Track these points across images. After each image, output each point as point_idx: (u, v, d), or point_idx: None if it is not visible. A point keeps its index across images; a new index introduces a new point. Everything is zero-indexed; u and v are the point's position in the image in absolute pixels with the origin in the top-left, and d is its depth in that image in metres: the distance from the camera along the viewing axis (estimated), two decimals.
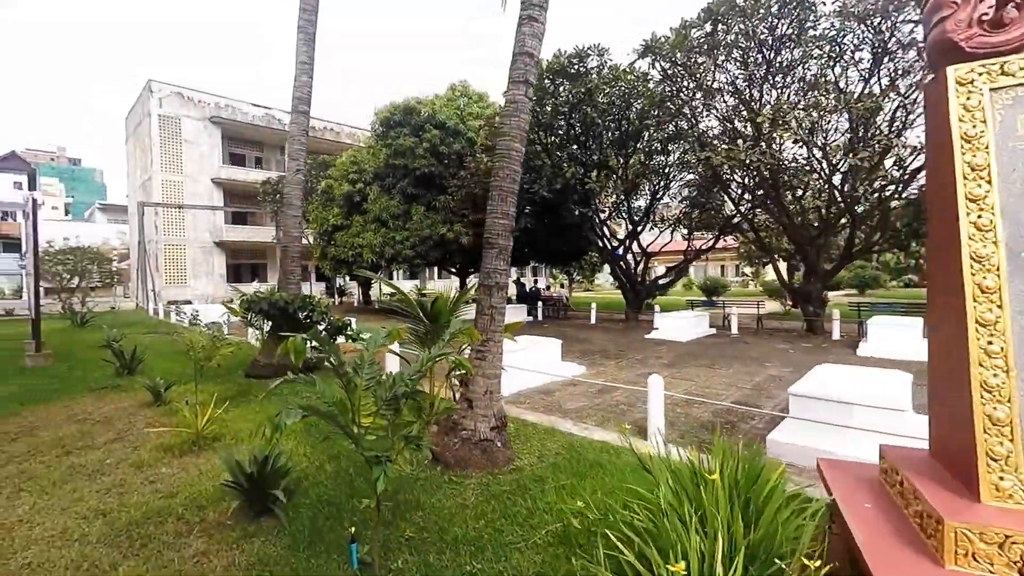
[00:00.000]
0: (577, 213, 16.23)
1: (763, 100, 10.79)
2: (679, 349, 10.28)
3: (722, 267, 44.89)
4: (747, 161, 9.56)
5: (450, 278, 43.16)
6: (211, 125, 29.73)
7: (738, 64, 10.62)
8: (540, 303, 18.49)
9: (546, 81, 14.05)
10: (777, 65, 10.31)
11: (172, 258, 28.32)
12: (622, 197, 15.30)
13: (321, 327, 7.86)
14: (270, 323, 7.70)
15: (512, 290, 26.36)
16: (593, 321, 15.81)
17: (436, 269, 36.30)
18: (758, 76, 10.42)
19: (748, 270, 38.07)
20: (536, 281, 35.50)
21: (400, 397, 2.65)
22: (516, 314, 14.69)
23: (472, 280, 28.98)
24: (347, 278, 28.33)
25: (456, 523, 3.09)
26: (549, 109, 14.36)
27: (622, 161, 14.76)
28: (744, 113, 11.10)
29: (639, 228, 15.73)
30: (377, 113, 18.23)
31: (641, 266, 16.15)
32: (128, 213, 34.09)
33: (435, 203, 16.89)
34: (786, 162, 10.65)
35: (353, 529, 2.65)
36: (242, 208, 31.22)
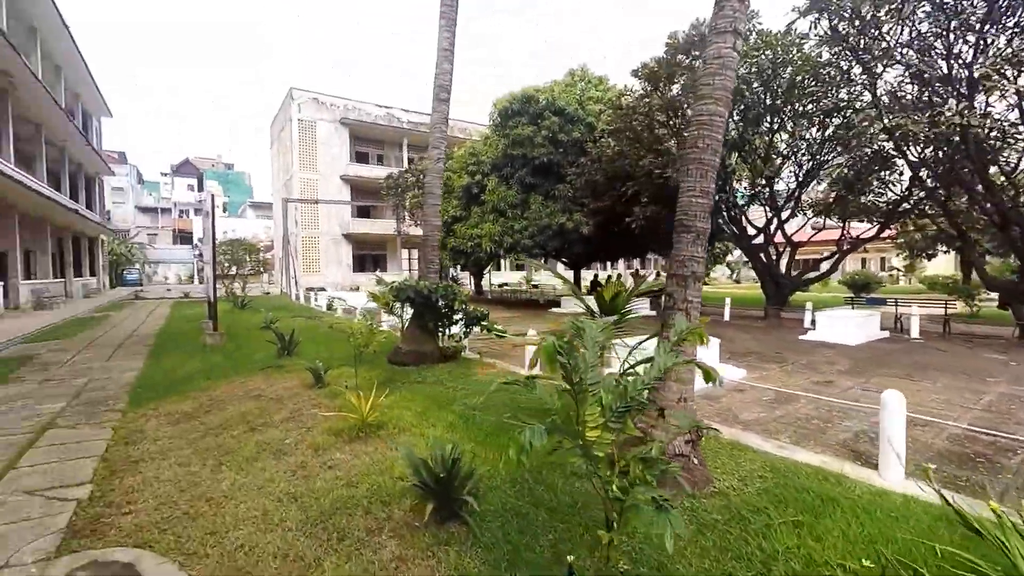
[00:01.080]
0: None
1: (977, 51, 8.75)
2: (851, 354, 8.79)
3: (863, 260, 39.25)
4: (947, 127, 7.78)
5: (554, 269, 42.96)
6: (340, 127, 32.22)
7: (945, 11, 8.64)
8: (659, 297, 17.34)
9: (680, 56, 12.90)
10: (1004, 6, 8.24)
11: (308, 249, 31.29)
12: (763, 180, 13.64)
13: (458, 316, 7.82)
14: (411, 311, 7.81)
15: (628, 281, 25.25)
16: (727, 318, 14.39)
17: (547, 259, 36.25)
18: (973, 20, 8.42)
19: (899, 263, 32.74)
20: (638, 272, 33.86)
21: (632, 407, 2.18)
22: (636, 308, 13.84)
23: (585, 273, 28.26)
24: (459, 268, 29.18)
25: (674, 557, 2.58)
26: (679, 88, 13.19)
27: (767, 139, 13.13)
28: (936, 73, 9.13)
29: (783, 215, 13.93)
30: (495, 103, 18.24)
31: (786, 257, 14.33)
32: (273, 209, 38.40)
33: (553, 192, 16.49)
34: (1002, 122, 8.57)
35: (572, 558, 2.25)
36: (365, 203, 33.54)
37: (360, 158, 34.39)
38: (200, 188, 54.52)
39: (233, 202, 73.98)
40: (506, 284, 28.38)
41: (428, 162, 7.69)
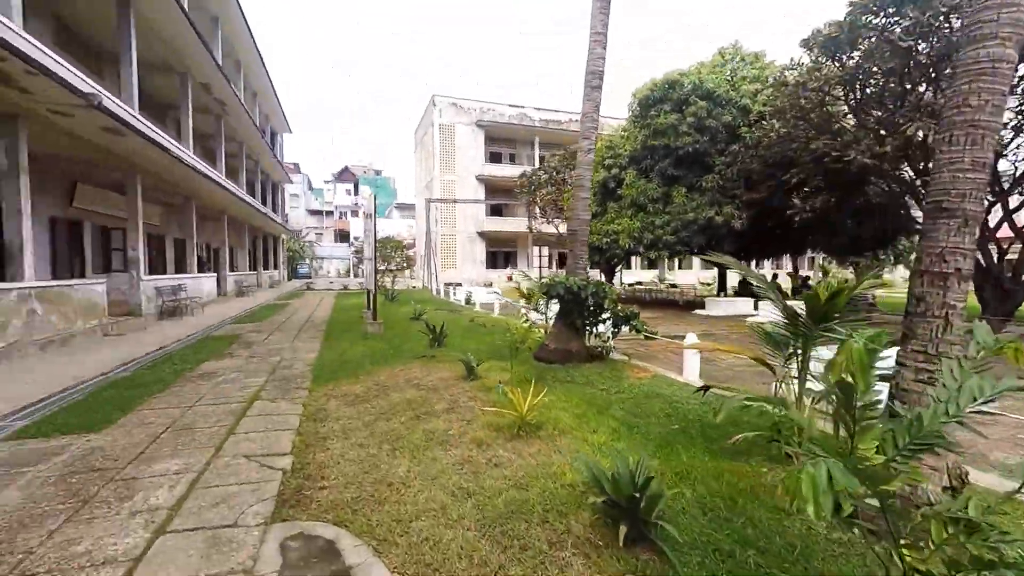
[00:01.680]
0: (887, 189, 12.43)
1: None
2: None
3: None
4: None
5: (687, 267, 40.12)
6: (476, 128, 33.72)
7: None
8: None
9: (867, 17, 10.90)
10: None
11: (446, 246, 33.35)
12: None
13: (605, 315, 7.44)
14: (557, 307, 7.64)
15: (784, 283, 22.49)
16: None
17: (677, 260, 33.87)
18: None
19: None
20: (800, 273, 29.94)
21: (926, 446, 1.64)
22: None
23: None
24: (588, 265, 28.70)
25: None
26: (860, 55, 11.14)
27: None
28: None
29: (1010, 202, 11.07)
30: (635, 93, 17.42)
31: (1018, 256, 11.37)
32: (416, 210, 41.74)
33: (699, 184, 15.23)
34: None
35: None
36: (498, 201, 34.70)
37: (494, 158, 35.67)
38: (356, 192, 61.70)
39: (381, 204, 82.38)
40: (640, 283, 27.19)
41: (579, 154, 7.44)
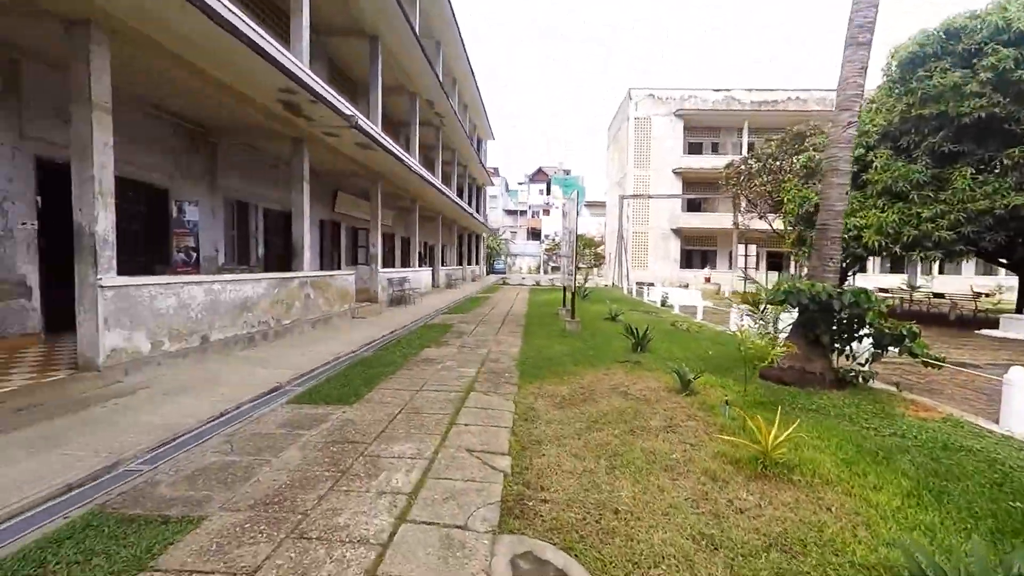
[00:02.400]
0: None
1: None
2: None
3: None
4: None
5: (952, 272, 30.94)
6: (675, 119, 31.63)
7: None
8: None
9: None
10: None
11: (637, 243, 32.17)
12: None
13: (864, 331, 5.88)
14: (791, 318, 6.35)
15: None
16: None
17: (936, 263, 26.18)
18: None
19: None
20: None
21: None
22: None
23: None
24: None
25: None
26: None
27: None
28: None
29: None
30: (893, 53, 13.90)
31: None
32: (606, 207, 41.37)
33: (996, 161, 11.36)
34: None
35: None
36: (696, 196, 32.03)
37: (693, 149, 33.06)
38: (548, 192, 64.29)
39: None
40: (885, 290, 21.91)
41: (835, 129, 5.99)
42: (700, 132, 33.48)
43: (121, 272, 5.25)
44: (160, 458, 3.50)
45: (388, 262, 19.59)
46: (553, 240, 54.49)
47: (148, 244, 8.35)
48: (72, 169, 4.85)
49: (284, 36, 9.64)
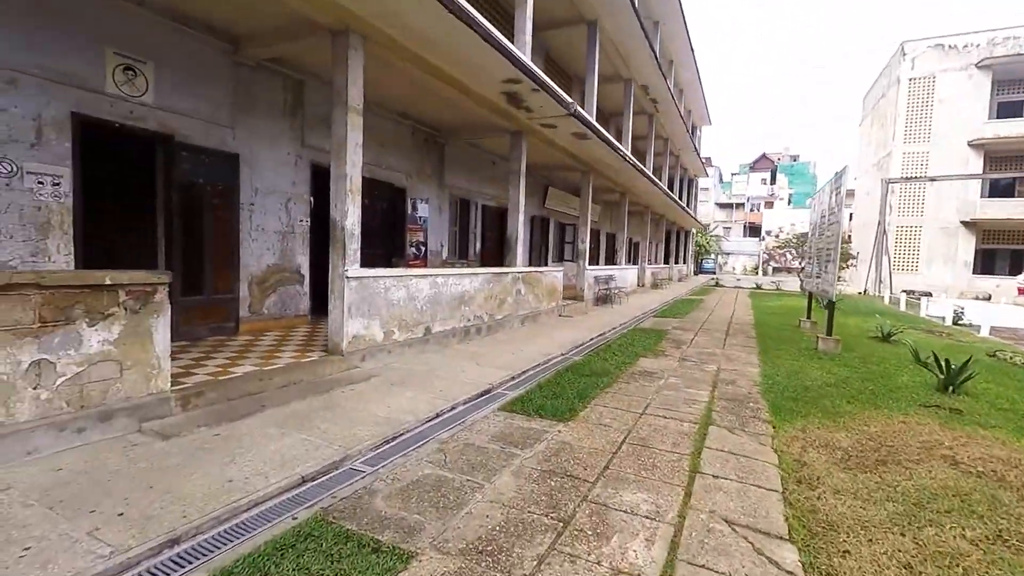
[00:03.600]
0: None
1: None
2: None
3: None
4: None
5: None
6: (976, 73, 23.59)
7: None
8: None
9: None
10: None
11: (903, 241, 25.18)
12: None
13: None
14: None
15: None
16: None
17: None
18: None
19: None
20: None
21: None
22: None
23: None
24: None
25: None
26: None
27: None
28: None
29: None
30: None
31: None
32: (855, 196, 33.59)
33: None
34: None
35: None
36: (1010, 174, 23.38)
37: (1005, 111, 24.22)
38: (772, 181, 55.80)
39: (798, 193, 71.95)
40: None
41: None
42: (1016, 88, 24.27)
43: (364, 264, 5.65)
44: (381, 459, 3.39)
45: (593, 259, 19.09)
46: (777, 236, 46.96)
47: (387, 239, 9.31)
48: (331, 168, 5.34)
49: (504, 31, 9.72)
